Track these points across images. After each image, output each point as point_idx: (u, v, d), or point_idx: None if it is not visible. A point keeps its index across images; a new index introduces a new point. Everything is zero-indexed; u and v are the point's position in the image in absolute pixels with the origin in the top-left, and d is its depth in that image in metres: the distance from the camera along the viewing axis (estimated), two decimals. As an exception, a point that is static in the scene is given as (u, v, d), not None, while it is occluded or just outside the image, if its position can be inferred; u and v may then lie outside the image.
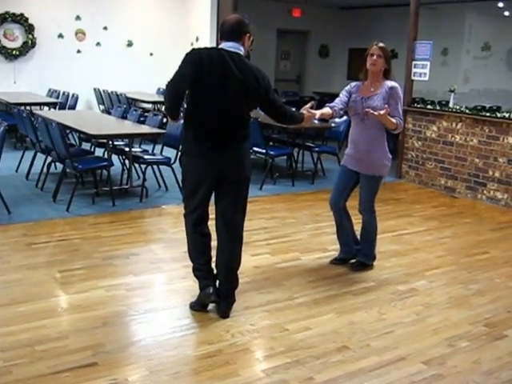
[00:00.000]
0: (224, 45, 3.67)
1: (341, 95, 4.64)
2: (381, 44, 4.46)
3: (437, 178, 7.94)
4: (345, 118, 8.21)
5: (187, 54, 3.61)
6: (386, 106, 4.31)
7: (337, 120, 8.29)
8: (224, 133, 3.66)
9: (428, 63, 7.83)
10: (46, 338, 3.47)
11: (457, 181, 7.66)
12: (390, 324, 3.85)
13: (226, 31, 3.69)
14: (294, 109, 4.21)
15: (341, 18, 14.94)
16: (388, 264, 4.96)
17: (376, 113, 4.25)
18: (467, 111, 7.60)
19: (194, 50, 3.66)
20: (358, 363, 3.33)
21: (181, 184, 4.04)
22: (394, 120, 4.37)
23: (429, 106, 8.20)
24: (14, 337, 3.47)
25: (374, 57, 4.43)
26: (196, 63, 3.55)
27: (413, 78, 8.08)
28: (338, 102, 4.60)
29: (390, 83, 4.48)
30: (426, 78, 7.91)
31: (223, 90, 3.58)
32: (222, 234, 3.83)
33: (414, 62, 8.00)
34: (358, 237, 4.83)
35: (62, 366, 3.16)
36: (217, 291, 3.83)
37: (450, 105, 8.00)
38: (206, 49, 3.74)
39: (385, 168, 4.60)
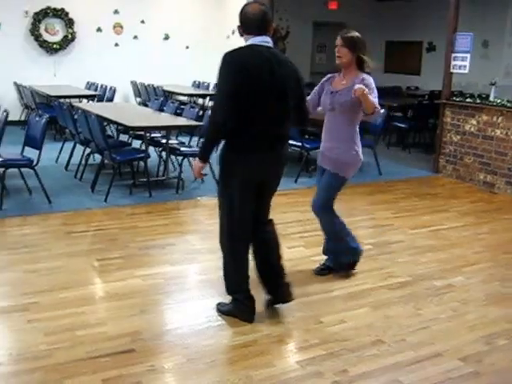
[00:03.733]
0: (256, 40, 3.46)
1: (316, 88, 4.34)
2: (348, 34, 4.09)
3: (475, 173, 7.82)
4: (382, 111, 8.15)
5: (229, 64, 3.36)
6: (362, 85, 3.87)
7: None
8: (274, 132, 3.53)
9: (468, 55, 7.71)
10: (85, 324, 3.56)
11: (496, 176, 7.53)
12: (426, 319, 3.82)
13: (254, 25, 3.45)
14: None
15: (377, 9, 14.77)
16: (424, 259, 4.93)
17: (357, 88, 3.82)
18: (508, 105, 7.45)
19: (232, 56, 3.39)
20: (393, 357, 3.32)
21: (221, 190, 3.66)
22: (372, 98, 3.91)
23: (468, 100, 8.07)
24: (55, 322, 3.57)
25: (337, 47, 4.11)
26: (241, 73, 3.33)
27: (452, 70, 7.97)
28: (312, 97, 4.30)
29: (362, 76, 4.09)
30: (466, 71, 7.79)
31: (271, 89, 3.43)
32: (265, 233, 3.76)
33: (453, 55, 7.89)
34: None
35: (101, 352, 3.24)
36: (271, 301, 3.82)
37: (491, 98, 7.86)
38: (242, 50, 3.48)
39: (348, 169, 4.25)
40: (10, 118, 6.61)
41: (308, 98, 4.15)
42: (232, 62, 3.38)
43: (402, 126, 10.27)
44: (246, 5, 3.54)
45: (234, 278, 3.71)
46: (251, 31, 3.48)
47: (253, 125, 3.43)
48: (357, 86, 3.87)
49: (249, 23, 3.49)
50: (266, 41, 3.48)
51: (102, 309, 3.87)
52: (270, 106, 3.46)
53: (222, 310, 3.79)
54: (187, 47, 12.76)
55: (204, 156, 3.53)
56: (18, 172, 6.35)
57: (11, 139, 6.99)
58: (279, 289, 3.81)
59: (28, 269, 4.39)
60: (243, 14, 3.51)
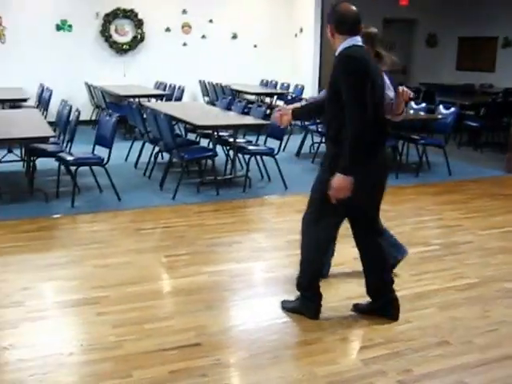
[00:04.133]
0: (355, 40, 3.39)
1: None
2: (366, 29, 3.88)
3: (550, 173, 7.53)
4: (453, 109, 7.98)
5: (361, 67, 3.28)
6: (403, 87, 3.87)
7: (444, 111, 8.07)
8: (383, 132, 3.56)
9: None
10: (153, 318, 3.66)
11: None
12: (495, 322, 3.73)
13: (349, 25, 3.37)
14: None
15: (450, 5, 14.39)
16: (494, 261, 4.80)
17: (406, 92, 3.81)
18: None
19: (361, 59, 3.32)
20: (459, 359, 3.26)
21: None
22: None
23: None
24: (124, 315, 3.69)
25: None
26: (371, 75, 3.31)
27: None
28: None
29: None
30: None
31: (379, 89, 3.46)
32: (378, 245, 3.74)
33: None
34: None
35: (168, 345, 3.33)
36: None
37: None
38: (361, 51, 3.39)
39: None
40: (81, 118, 6.86)
41: None
42: (363, 65, 3.30)
43: (474, 124, 9.98)
44: (337, 4, 3.46)
45: (310, 276, 3.70)
46: (345, 31, 3.39)
47: (373, 126, 3.35)
48: (402, 89, 3.81)
49: (344, 23, 3.39)
50: (361, 41, 3.43)
51: (169, 303, 3.97)
52: (380, 105, 3.48)
53: (287, 307, 3.81)
54: (255, 46, 12.84)
55: (352, 169, 3.29)
56: (89, 170, 6.57)
57: (83, 138, 7.25)
58: (391, 302, 3.73)
59: (98, 264, 4.55)
60: (338, 14, 3.42)
